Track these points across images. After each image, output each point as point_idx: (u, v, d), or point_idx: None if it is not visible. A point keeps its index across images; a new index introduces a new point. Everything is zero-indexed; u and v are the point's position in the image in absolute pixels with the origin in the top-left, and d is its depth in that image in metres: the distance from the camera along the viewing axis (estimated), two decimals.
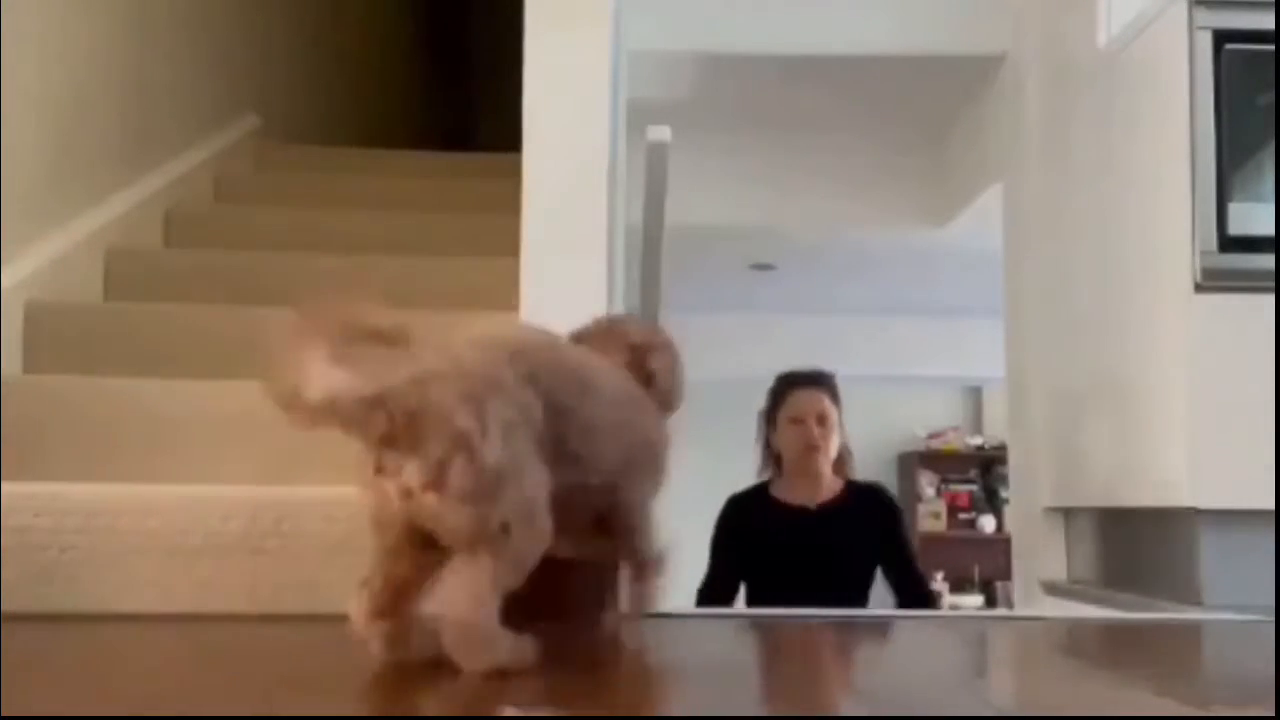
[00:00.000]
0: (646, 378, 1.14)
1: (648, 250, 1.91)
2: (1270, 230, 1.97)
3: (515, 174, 1.51)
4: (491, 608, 0.84)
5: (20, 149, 2.08)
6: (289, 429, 0.82)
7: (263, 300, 2.24)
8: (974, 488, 7.07)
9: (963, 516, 7.00)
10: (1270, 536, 1.87)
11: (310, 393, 0.79)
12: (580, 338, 1.15)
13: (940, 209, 3.90)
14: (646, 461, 1.08)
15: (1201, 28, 2.00)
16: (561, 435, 0.92)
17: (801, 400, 2.88)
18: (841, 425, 2.90)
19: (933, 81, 3.36)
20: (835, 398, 2.90)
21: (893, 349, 6.80)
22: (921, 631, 1.49)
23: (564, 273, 1.43)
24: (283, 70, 3.64)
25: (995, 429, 6.99)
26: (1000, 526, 6.72)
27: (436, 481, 0.83)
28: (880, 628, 1.50)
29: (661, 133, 1.79)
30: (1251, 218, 1.99)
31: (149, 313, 2.14)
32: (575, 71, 1.47)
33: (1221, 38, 2.00)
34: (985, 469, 7.02)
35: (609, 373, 1.06)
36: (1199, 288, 1.96)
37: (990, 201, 3.18)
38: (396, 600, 0.89)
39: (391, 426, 0.82)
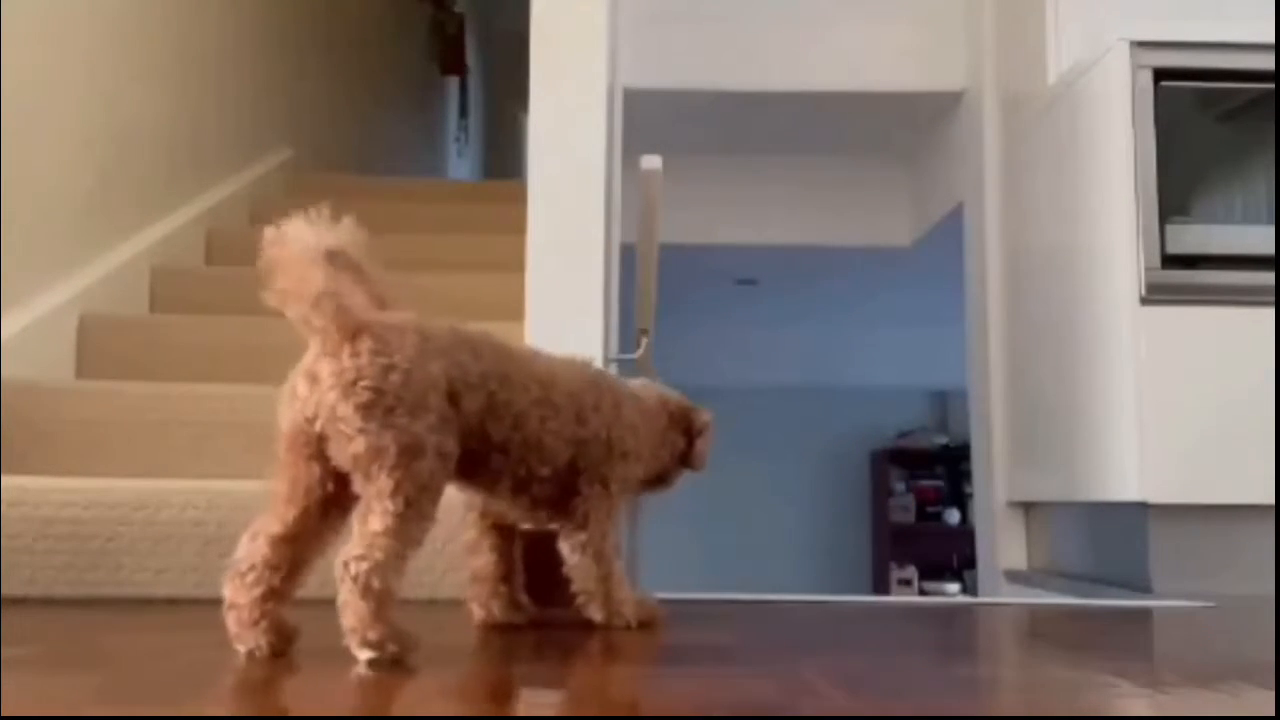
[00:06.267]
0: (686, 439, 1.17)
1: (643, 268, 1.90)
2: (1205, 250, 1.98)
3: (522, 199, 1.50)
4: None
5: (75, 178, 2.09)
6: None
7: None
8: (940, 483, 7.05)
9: (930, 510, 6.98)
10: (1212, 529, 1.86)
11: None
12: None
13: (909, 228, 3.89)
14: (598, 456, 1.05)
15: (1142, 66, 2.01)
16: (493, 420, 0.94)
17: None
18: None
19: (899, 114, 3.36)
20: None
21: (864, 356, 6.79)
22: (896, 614, 1.48)
23: (565, 289, 1.43)
24: (312, 106, 3.64)
25: (959, 429, 6.98)
26: (965, 519, 6.70)
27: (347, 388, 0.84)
28: (861, 610, 1.49)
29: (654, 161, 1.79)
30: (1188, 237, 1.99)
31: (191, 324, 2.14)
32: (576, 106, 1.47)
33: (1160, 75, 2.01)
34: (951, 466, 7.00)
35: (563, 369, 1.04)
36: (1144, 300, 1.96)
37: (955, 221, 3.17)
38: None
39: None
